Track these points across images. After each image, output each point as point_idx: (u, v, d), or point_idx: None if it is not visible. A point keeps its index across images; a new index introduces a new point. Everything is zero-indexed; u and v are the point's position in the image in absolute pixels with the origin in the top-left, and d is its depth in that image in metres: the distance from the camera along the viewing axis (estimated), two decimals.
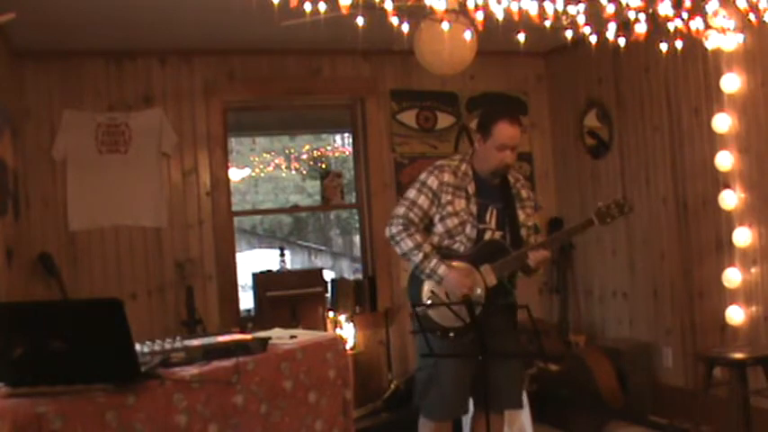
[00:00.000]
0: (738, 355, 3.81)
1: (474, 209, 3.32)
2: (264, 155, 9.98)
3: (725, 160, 4.33)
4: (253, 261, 8.93)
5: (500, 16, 2.88)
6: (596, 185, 5.50)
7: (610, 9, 3.01)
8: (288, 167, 10.32)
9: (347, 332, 5.28)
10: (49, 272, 4.70)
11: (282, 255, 5.76)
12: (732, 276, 4.32)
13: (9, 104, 4.39)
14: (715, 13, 3.26)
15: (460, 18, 3.02)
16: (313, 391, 2.70)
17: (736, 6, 3.26)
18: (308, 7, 2.74)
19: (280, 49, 5.23)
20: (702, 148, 4.54)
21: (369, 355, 5.37)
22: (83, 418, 2.02)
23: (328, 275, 6.29)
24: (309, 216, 11.39)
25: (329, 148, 9.71)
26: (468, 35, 3.09)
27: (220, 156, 5.23)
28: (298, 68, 5.40)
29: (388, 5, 2.74)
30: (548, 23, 2.99)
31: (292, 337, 2.81)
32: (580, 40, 3.27)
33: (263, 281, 5.25)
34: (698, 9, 3.21)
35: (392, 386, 5.08)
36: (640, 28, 3.12)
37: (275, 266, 5.65)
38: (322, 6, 2.73)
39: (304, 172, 10.37)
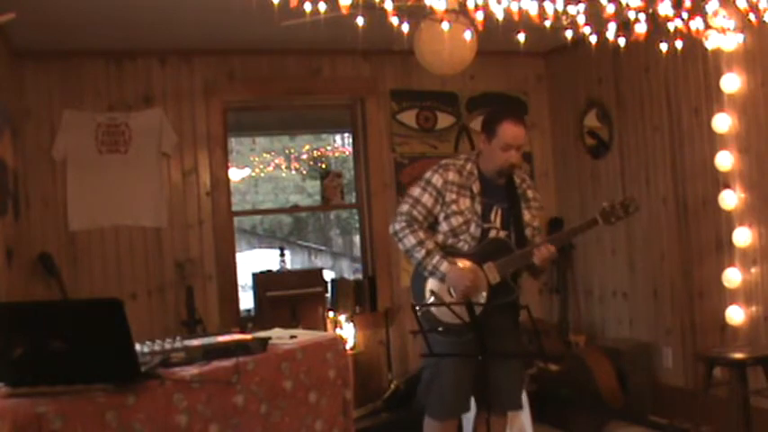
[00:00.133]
0: (738, 355, 3.81)
1: (479, 208, 3.33)
2: (264, 155, 9.98)
3: (725, 160, 4.33)
4: (253, 261, 8.93)
5: (500, 16, 2.88)
6: (596, 185, 5.50)
7: (610, 9, 3.01)
8: (288, 167, 10.32)
9: (347, 332, 5.28)
10: (49, 272, 4.70)
11: (282, 255, 5.76)
12: (732, 276, 4.32)
13: (9, 104, 4.39)
14: (715, 13, 3.26)
15: (460, 18, 3.02)
16: (313, 391, 2.70)
17: (736, 6, 3.26)
18: (308, 7, 2.74)
19: (280, 49, 5.23)
20: (702, 148, 4.54)
21: (369, 355, 5.37)
22: (83, 418, 2.02)
23: (328, 275, 6.29)
24: (309, 216, 11.38)
25: (329, 148, 9.71)
26: (468, 35, 3.09)
27: (220, 156, 5.23)
28: (298, 68, 5.40)
29: (388, 5, 2.74)
30: (548, 23, 2.99)
31: (292, 337, 2.81)
32: (580, 40, 3.27)
33: (263, 281, 5.25)
34: (698, 9, 3.21)
35: (392, 386, 5.07)
36: (640, 28, 3.12)
37: (275, 266, 5.65)
38: (322, 6, 2.73)
39: (304, 172, 10.37)
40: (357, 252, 7.47)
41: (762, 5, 3.29)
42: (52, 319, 2.15)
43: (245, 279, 6.01)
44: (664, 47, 3.36)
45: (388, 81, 5.57)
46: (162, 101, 5.09)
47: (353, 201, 6.10)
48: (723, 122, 4.33)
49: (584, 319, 5.65)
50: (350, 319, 5.34)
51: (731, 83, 4.26)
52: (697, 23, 3.23)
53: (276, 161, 10.07)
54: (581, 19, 3.07)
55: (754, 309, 4.24)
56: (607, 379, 4.75)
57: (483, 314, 3.17)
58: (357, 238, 6.82)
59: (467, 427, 3.78)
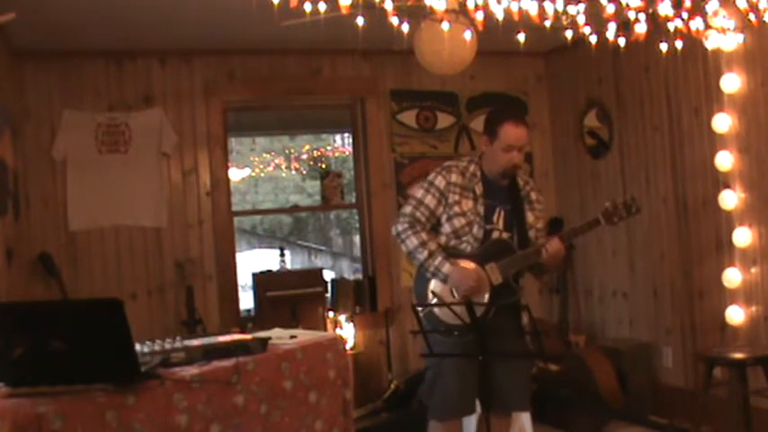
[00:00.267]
0: (738, 355, 3.81)
1: (481, 209, 3.33)
2: (264, 155, 9.98)
3: (725, 160, 4.33)
4: (253, 261, 8.93)
5: (500, 16, 2.88)
6: (596, 185, 5.50)
7: (610, 9, 3.01)
8: (288, 167, 10.32)
9: (347, 332, 5.28)
10: (49, 272, 4.70)
11: (282, 255, 5.76)
12: (732, 276, 4.32)
13: (9, 104, 4.39)
14: (715, 13, 3.26)
15: (460, 18, 3.02)
16: (313, 391, 2.70)
17: (736, 6, 3.26)
18: (308, 7, 2.74)
19: (280, 49, 5.23)
20: (702, 148, 4.54)
21: (369, 355, 5.37)
22: (83, 418, 2.02)
23: (328, 275, 6.30)
24: (309, 216, 11.39)
25: (329, 148, 9.71)
26: (468, 35, 3.09)
27: (220, 156, 5.23)
28: (298, 68, 5.40)
29: (388, 5, 2.74)
30: (548, 23, 2.99)
31: (292, 337, 2.81)
32: (580, 40, 3.27)
33: (263, 281, 5.25)
34: (698, 9, 3.21)
35: (392, 386, 5.07)
36: (640, 28, 3.12)
37: (275, 266, 5.65)
38: (322, 6, 2.73)
39: (304, 172, 10.37)
40: (357, 252, 7.47)
41: (762, 5, 3.29)
42: (52, 319, 2.15)
43: (245, 279, 6.01)
44: (664, 47, 3.36)
45: (388, 81, 5.57)
46: (162, 101, 5.09)
47: (353, 201, 6.10)
48: (723, 122, 4.33)
49: (585, 319, 5.65)
50: (350, 319, 5.34)
51: (731, 83, 4.26)
52: (697, 23, 3.23)
53: (276, 161, 10.07)
54: (581, 19, 3.07)
55: (754, 309, 4.24)
56: (607, 379, 4.75)
57: (486, 315, 3.17)
58: (357, 238, 6.83)
59: (467, 428, 3.77)
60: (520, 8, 2.86)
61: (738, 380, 3.82)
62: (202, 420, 2.29)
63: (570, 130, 5.75)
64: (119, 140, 4.98)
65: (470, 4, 2.87)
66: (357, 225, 6.16)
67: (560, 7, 2.97)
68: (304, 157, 9.91)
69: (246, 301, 5.92)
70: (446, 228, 3.36)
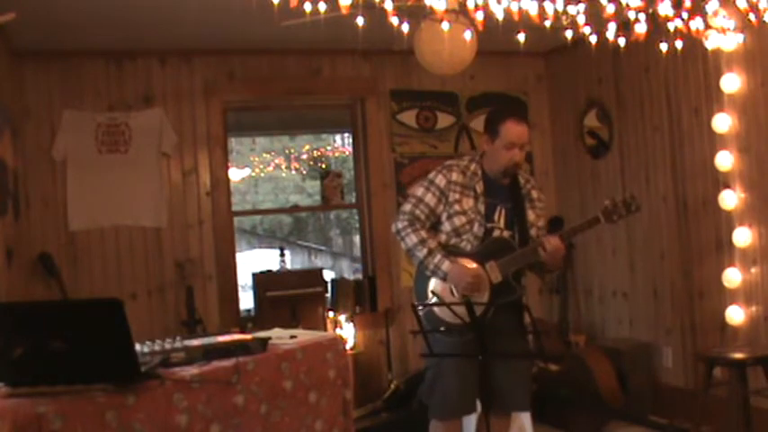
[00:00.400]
0: (738, 355, 3.81)
1: (482, 208, 3.33)
2: (264, 155, 9.98)
3: (725, 160, 4.33)
4: (253, 261, 8.93)
5: (500, 16, 2.88)
6: (596, 185, 5.50)
7: (610, 9, 3.01)
8: (288, 167, 10.32)
9: (347, 332, 5.28)
10: (49, 272, 4.70)
11: (282, 255, 5.76)
12: (732, 276, 4.32)
13: (9, 104, 4.39)
14: (715, 13, 3.26)
15: (460, 18, 3.02)
16: (313, 391, 2.70)
17: (736, 6, 3.26)
18: (308, 7, 2.74)
19: (280, 49, 5.23)
20: (702, 148, 4.54)
21: (369, 355, 5.37)
22: (83, 418, 2.02)
23: (328, 275, 6.29)
24: (309, 216, 11.38)
25: (329, 148, 9.71)
26: (468, 35, 3.09)
27: (220, 156, 5.23)
28: (298, 68, 5.40)
29: (388, 5, 2.74)
30: (548, 23, 2.99)
31: (292, 337, 2.81)
32: (580, 40, 3.27)
33: (263, 281, 5.25)
34: (698, 9, 3.21)
35: (392, 386, 5.07)
36: (640, 28, 3.12)
37: (275, 266, 5.65)
38: (322, 6, 2.73)
39: (304, 172, 10.37)
40: (357, 252, 7.47)
41: (762, 5, 3.29)
42: (52, 319, 2.15)
43: (245, 279, 6.01)
44: (664, 47, 3.36)
45: (388, 81, 5.57)
46: (162, 101, 5.09)
47: (353, 201, 6.10)
48: (723, 122, 4.33)
49: (585, 319, 5.65)
50: (350, 319, 5.34)
51: (731, 83, 4.26)
52: (697, 23, 3.23)
53: (276, 161, 10.07)
54: (581, 19, 3.07)
55: (754, 309, 4.24)
56: (607, 379, 4.75)
57: (485, 314, 3.17)
58: (357, 238, 6.83)
59: (467, 428, 3.77)
60: (520, 8, 2.87)
61: (738, 380, 3.82)
62: (202, 420, 2.29)
63: (570, 130, 5.75)
64: (119, 140, 4.98)
65: (470, 4, 2.88)
66: (357, 225, 6.16)
67: (560, 7, 2.97)
68: (304, 157, 9.91)
69: (246, 301, 5.92)
70: (446, 226, 3.36)
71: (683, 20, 3.18)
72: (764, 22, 3.36)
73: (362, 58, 5.48)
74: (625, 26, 3.17)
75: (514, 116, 3.34)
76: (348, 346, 4.71)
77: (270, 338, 2.67)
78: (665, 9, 3.06)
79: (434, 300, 3.31)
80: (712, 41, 3.40)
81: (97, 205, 4.92)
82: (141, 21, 4.40)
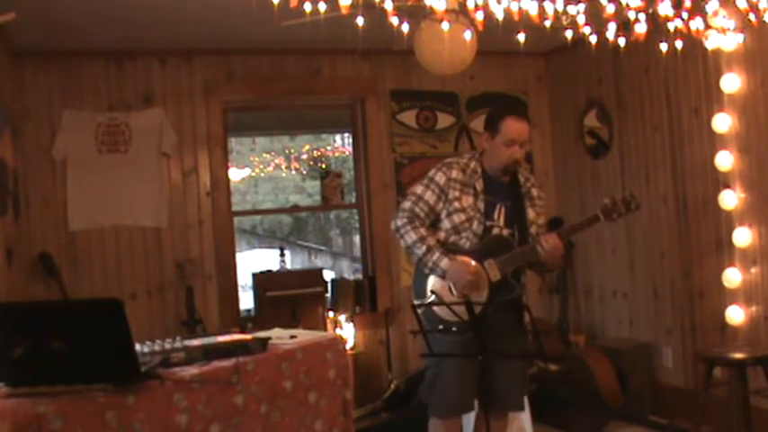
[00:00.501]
0: (738, 355, 3.81)
1: (482, 206, 3.33)
2: (264, 155, 9.98)
3: (725, 160, 4.33)
4: (253, 261, 8.93)
5: (500, 16, 2.88)
6: (596, 185, 5.50)
7: (610, 9, 3.01)
8: (288, 167, 10.31)
9: (347, 332, 5.28)
10: (49, 272, 4.70)
11: (282, 255, 5.76)
12: (732, 276, 4.32)
13: (9, 104, 4.39)
14: (715, 13, 3.26)
15: (460, 18, 3.02)
16: (313, 391, 2.70)
17: (736, 6, 3.26)
18: (308, 7, 2.74)
19: (280, 49, 5.23)
20: (702, 148, 4.54)
21: (369, 355, 5.37)
22: (83, 418, 2.02)
23: (328, 275, 6.29)
24: (309, 216, 11.38)
25: (329, 148, 9.71)
26: (468, 35, 3.09)
27: (220, 156, 5.23)
28: (298, 68, 5.40)
29: (388, 5, 2.74)
30: (548, 23, 2.99)
31: (292, 337, 2.81)
32: (580, 40, 3.27)
33: (263, 281, 5.25)
34: (698, 9, 3.21)
35: (392, 386, 5.07)
36: (640, 28, 3.12)
37: (275, 266, 5.65)
38: (322, 6, 2.73)
39: (304, 172, 10.36)
40: (357, 252, 7.47)
41: (762, 5, 3.29)
42: (52, 319, 2.15)
43: (245, 279, 6.01)
44: (664, 47, 3.36)
45: (388, 81, 5.57)
46: (162, 101, 5.09)
47: (353, 201, 6.10)
48: (723, 122, 4.32)
49: (585, 319, 5.65)
50: (350, 319, 5.34)
51: (731, 83, 4.26)
52: (697, 23, 3.23)
53: (276, 161, 10.07)
54: (581, 19, 3.07)
55: (754, 309, 4.24)
56: (607, 379, 4.75)
57: (485, 313, 3.17)
58: (357, 238, 6.82)
59: (467, 428, 3.78)
60: (520, 8, 2.87)
61: (738, 380, 3.82)
62: (202, 420, 2.29)
63: (570, 130, 5.75)
64: (119, 140, 4.98)
65: (470, 4, 2.88)
66: (357, 225, 6.16)
67: (560, 7, 2.97)
68: (304, 157, 9.90)
69: (246, 301, 5.91)
70: (446, 224, 3.36)
71: (683, 20, 3.18)
72: (764, 22, 3.36)
73: (362, 58, 5.48)
74: (625, 26, 3.17)
75: (515, 113, 3.34)
76: (348, 346, 4.71)
77: (270, 338, 2.67)
78: (665, 9, 3.06)
79: (433, 298, 3.31)
80: (712, 41, 3.40)
81: (97, 205, 4.92)
82: (141, 21, 4.40)
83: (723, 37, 3.38)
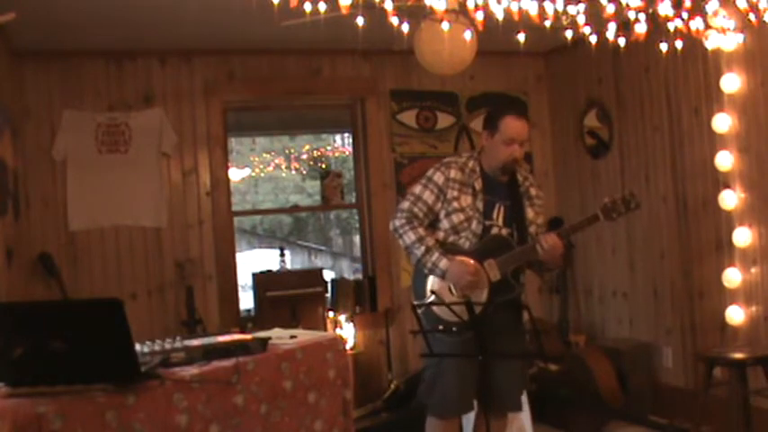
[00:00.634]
0: (738, 355, 3.81)
1: (480, 205, 3.32)
2: (264, 155, 9.98)
3: (725, 160, 4.33)
4: (253, 261, 8.93)
5: (500, 16, 2.88)
6: (596, 185, 5.50)
7: (610, 9, 3.01)
8: (288, 167, 10.32)
9: (347, 332, 5.28)
10: (49, 272, 4.70)
11: (282, 255, 5.76)
12: (732, 276, 4.32)
13: (9, 104, 4.39)
14: (715, 13, 3.26)
15: (460, 18, 3.02)
16: (313, 391, 2.70)
17: (736, 6, 3.26)
18: (308, 7, 2.74)
19: (280, 49, 5.23)
20: (702, 148, 4.54)
21: (369, 355, 5.37)
22: (83, 418, 2.02)
23: (328, 275, 6.29)
24: (309, 216, 11.39)
25: (329, 148, 9.71)
26: (468, 35, 3.09)
27: (220, 156, 5.23)
28: (298, 68, 5.40)
29: (388, 5, 2.74)
30: (548, 23, 2.99)
31: (292, 337, 2.81)
32: (580, 40, 3.27)
33: (263, 281, 5.25)
34: (698, 9, 3.21)
35: (392, 386, 5.08)
36: (640, 28, 3.12)
37: (275, 266, 5.65)
38: (322, 6, 2.73)
39: (304, 172, 10.37)
40: (357, 252, 7.47)
41: (762, 5, 3.29)
42: (52, 319, 2.15)
43: (245, 279, 6.01)
44: (664, 47, 3.36)
45: (388, 81, 5.57)
46: (162, 101, 5.09)
47: (353, 201, 6.10)
48: (723, 122, 4.32)
49: (585, 319, 5.65)
50: (350, 319, 5.34)
51: (731, 83, 4.26)
52: (697, 23, 3.23)
53: (276, 161, 10.07)
54: (581, 19, 3.07)
55: (754, 309, 4.24)
56: (607, 379, 4.75)
57: (485, 312, 3.17)
58: (357, 238, 6.83)
59: (467, 428, 3.78)
60: (520, 8, 2.87)
61: (738, 380, 3.82)
62: (202, 420, 2.29)
63: (570, 130, 5.75)
64: (119, 140, 4.98)
65: (470, 4, 2.88)
66: (357, 225, 6.16)
67: (560, 7, 2.97)
68: (304, 157, 9.91)
69: (246, 301, 5.92)
70: (444, 223, 3.36)
71: (683, 20, 3.18)
72: (764, 22, 3.36)
73: (362, 58, 5.48)
74: (625, 26, 3.17)
75: (514, 112, 3.34)
76: (348, 346, 4.71)
77: (270, 338, 2.67)
78: (665, 9, 3.06)
79: (433, 298, 3.31)
80: (712, 41, 3.40)
81: (97, 205, 4.92)
82: (141, 21, 4.40)
83: (723, 37, 3.38)
